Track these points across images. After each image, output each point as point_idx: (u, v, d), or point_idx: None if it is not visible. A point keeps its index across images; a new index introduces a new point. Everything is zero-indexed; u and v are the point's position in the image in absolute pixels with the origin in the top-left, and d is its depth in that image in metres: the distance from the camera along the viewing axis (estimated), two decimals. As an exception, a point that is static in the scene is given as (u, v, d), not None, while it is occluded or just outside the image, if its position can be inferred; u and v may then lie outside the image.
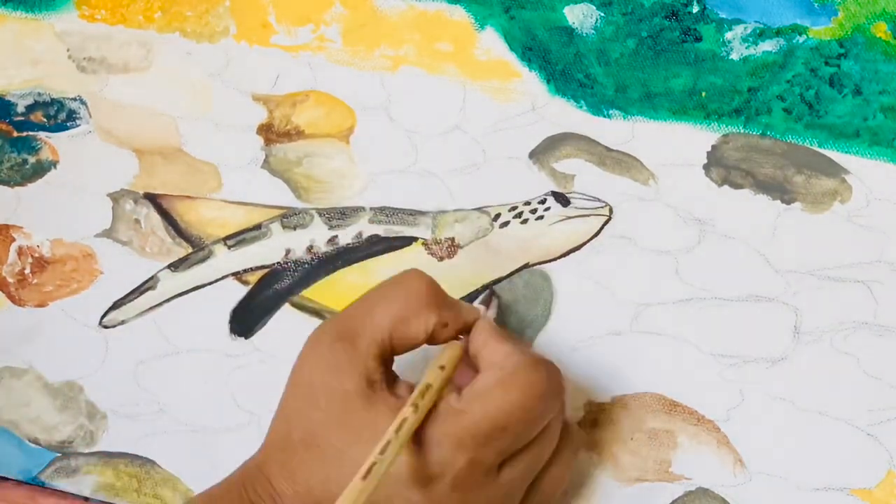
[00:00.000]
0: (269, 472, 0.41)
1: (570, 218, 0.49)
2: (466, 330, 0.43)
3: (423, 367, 0.42)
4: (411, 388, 0.41)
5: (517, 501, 0.42)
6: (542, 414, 0.41)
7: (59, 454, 0.53)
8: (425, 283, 0.43)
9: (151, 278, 0.52)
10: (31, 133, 0.54)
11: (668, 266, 0.48)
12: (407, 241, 0.50)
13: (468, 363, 0.43)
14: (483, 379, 0.41)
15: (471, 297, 0.49)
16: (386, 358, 0.42)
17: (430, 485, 0.39)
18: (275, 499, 0.41)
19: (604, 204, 0.49)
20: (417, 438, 0.39)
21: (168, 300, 0.52)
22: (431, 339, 0.42)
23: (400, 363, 0.43)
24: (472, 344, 0.43)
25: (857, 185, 0.47)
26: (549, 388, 0.41)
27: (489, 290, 0.49)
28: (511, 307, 0.49)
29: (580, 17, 0.49)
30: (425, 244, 0.50)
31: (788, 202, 0.47)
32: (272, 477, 0.41)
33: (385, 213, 0.50)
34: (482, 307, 0.46)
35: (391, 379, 0.42)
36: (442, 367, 0.41)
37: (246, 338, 0.51)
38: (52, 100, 0.53)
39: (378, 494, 0.37)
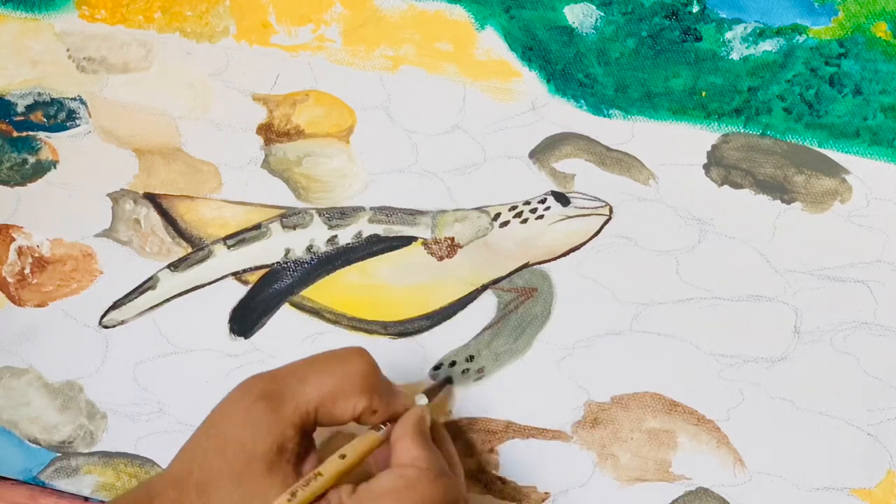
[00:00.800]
0: None
1: (570, 217, 0.49)
2: (394, 419, 0.43)
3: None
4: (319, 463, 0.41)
5: None
6: None
7: (59, 454, 0.53)
8: (365, 367, 0.42)
9: (151, 278, 0.52)
10: (31, 133, 0.54)
11: (668, 266, 0.48)
12: (407, 240, 0.50)
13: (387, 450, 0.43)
14: (380, 480, 0.40)
15: (470, 297, 0.49)
16: (307, 429, 0.41)
17: None
18: None
19: (604, 203, 0.49)
20: None
21: (168, 300, 0.52)
22: (358, 421, 0.42)
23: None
24: (393, 435, 0.42)
25: (857, 185, 0.47)
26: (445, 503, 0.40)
27: (445, 380, 0.49)
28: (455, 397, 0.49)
29: (580, 16, 0.49)
30: (425, 244, 0.50)
31: (788, 202, 0.47)
32: None
33: (385, 212, 0.50)
34: (423, 397, 0.46)
35: (304, 451, 0.41)
36: (343, 457, 0.41)
37: (245, 337, 0.51)
38: (52, 100, 0.54)
39: None
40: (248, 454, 0.39)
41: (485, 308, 0.49)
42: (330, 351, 0.43)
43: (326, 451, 0.41)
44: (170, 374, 0.52)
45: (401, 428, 0.42)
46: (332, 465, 0.40)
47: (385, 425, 0.43)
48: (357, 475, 0.41)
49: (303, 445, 0.41)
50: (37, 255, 0.53)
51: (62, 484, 0.53)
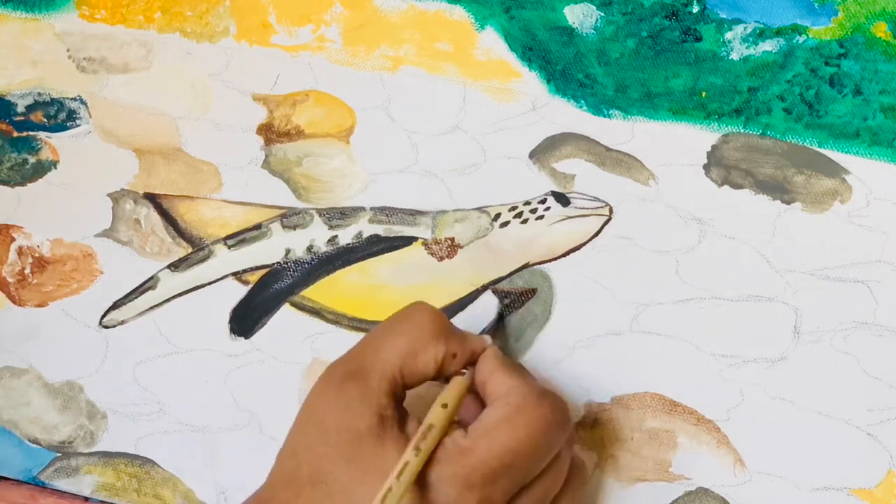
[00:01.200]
0: None
1: (570, 218, 0.49)
2: (474, 360, 0.43)
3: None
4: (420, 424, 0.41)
5: None
6: (549, 448, 0.41)
7: (59, 454, 0.53)
8: (432, 316, 0.43)
9: (151, 278, 0.52)
10: (31, 133, 0.54)
11: (668, 266, 0.48)
12: (407, 241, 0.50)
13: (474, 395, 0.43)
14: (488, 415, 0.40)
15: (470, 298, 0.49)
16: (397, 393, 0.42)
17: None
18: None
19: (604, 204, 0.49)
20: (424, 480, 0.39)
21: (168, 300, 0.52)
22: (441, 370, 0.42)
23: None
24: (478, 375, 0.43)
25: (857, 185, 0.47)
26: (555, 422, 0.40)
27: (498, 317, 0.49)
28: (515, 323, 0.49)
29: (580, 16, 0.49)
30: (425, 244, 0.50)
31: (788, 202, 0.47)
32: None
33: (385, 212, 0.50)
34: (487, 337, 0.46)
35: (402, 416, 0.41)
36: (445, 406, 0.41)
37: (246, 338, 0.51)
38: (53, 100, 0.53)
39: None
40: (352, 433, 0.40)
41: (485, 309, 0.49)
42: (394, 314, 0.43)
43: (416, 412, 0.41)
44: (170, 374, 0.52)
45: (485, 366, 0.43)
46: (438, 415, 0.40)
47: (467, 369, 0.43)
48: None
49: (399, 411, 0.41)
50: (37, 255, 0.53)
51: (62, 484, 0.53)
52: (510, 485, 0.40)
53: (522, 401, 0.40)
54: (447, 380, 0.43)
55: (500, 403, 0.41)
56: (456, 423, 0.41)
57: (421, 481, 0.38)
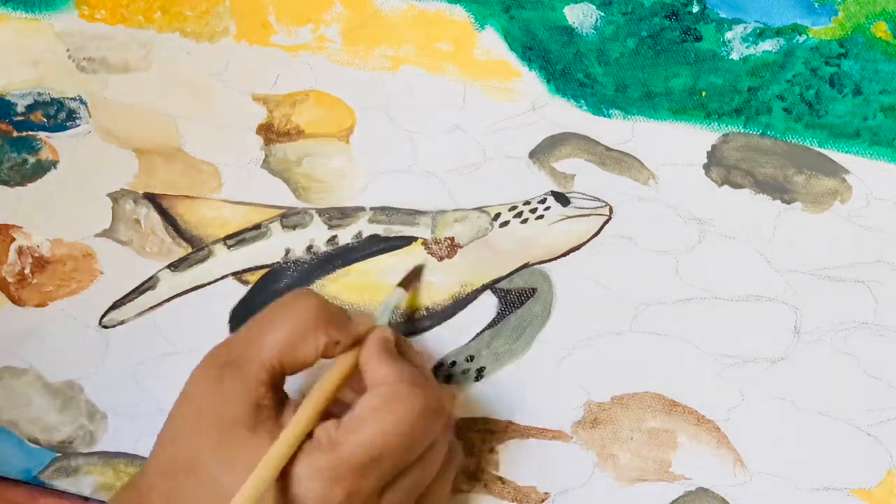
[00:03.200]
0: (150, 502, 0.41)
1: (570, 217, 0.49)
2: (361, 342, 0.43)
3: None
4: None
5: None
6: (421, 438, 0.40)
7: (59, 454, 0.53)
8: (313, 304, 0.42)
9: (151, 278, 0.52)
10: (30, 133, 0.54)
11: (668, 266, 0.48)
12: (407, 240, 0.50)
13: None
14: (359, 406, 0.40)
15: (470, 298, 0.49)
16: (276, 382, 0.42)
17: None
18: None
19: (604, 204, 0.49)
20: (292, 473, 0.38)
21: (168, 300, 0.52)
22: (325, 357, 0.42)
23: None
24: (360, 360, 0.43)
25: (858, 185, 0.47)
26: (427, 412, 0.40)
27: (416, 268, 0.49)
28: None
29: (580, 16, 0.49)
30: (425, 244, 0.50)
31: (788, 202, 0.47)
32: None
33: (385, 212, 0.50)
34: (398, 290, 0.45)
35: (279, 404, 0.41)
36: (323, 390, 0.41)
37: (246, 338, 0.51)
38: (52, 100, 0.53)
39: None
40: (227, 421, 0.40)
41: (485, 308, 0.49)
42: (276, 302, 0.43)
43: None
44: (170, 374, 0.51)
45: (366, 351, 0.43)
46: (310, 400, 0.40)
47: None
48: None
49: (277, 399, 0.41)
50: (37, 255, 0.53)
51: (62, 484, 0.53)
52: (381, 476, 0.39)
53: (392, 391, 0.40)
54: None
55: (372, 394, 0.40)
56: (335, 413, 0.41)
57: (289, 474, 0.38)
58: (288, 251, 0.51)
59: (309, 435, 0.40)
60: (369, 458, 0.39)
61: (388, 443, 0.39)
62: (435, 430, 0.41)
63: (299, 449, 0.39)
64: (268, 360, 0.41)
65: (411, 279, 0.49)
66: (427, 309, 0.50)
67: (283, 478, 0.38)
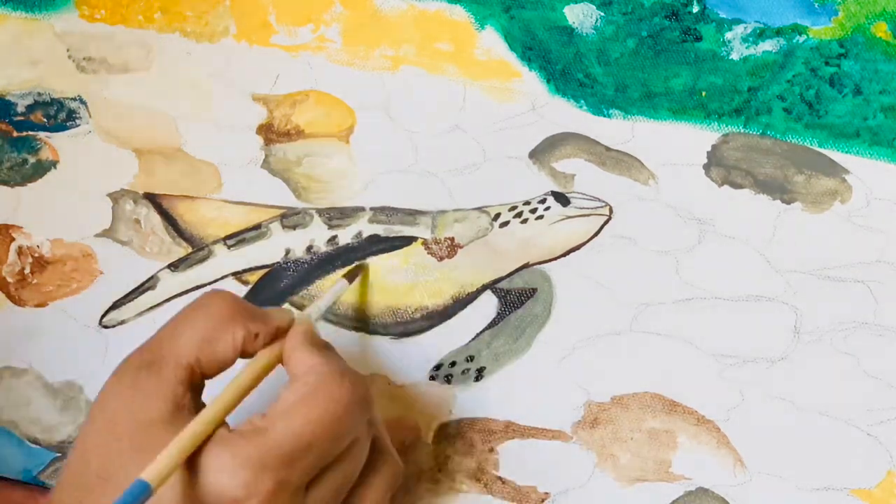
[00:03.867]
0: None
1: (570, 218, 0.49)
2: (283, 335, 0.42)
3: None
4: None
5: None
6: (348, 428, 0.40)
7: (58, 454, 0.53)
8: (226, 300, 0.42)
9: (151, 278, 0.52)
10: (31, 133, 0.54)
11: (668, 266, 0.48)
12: (407, 240, 0.50)
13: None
14: (286, 395, 0.39)
15: (470, 298, 0.49)
16: (196, 383, 0.41)
17: None
18: None
19: (604, 204, 0.49)
20: (219, 463, 0.37)
21: (168, 300, 0.52)
22: (245, 354, 0.41)
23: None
24: (284, 352, 0.42)
25: (858, 185, 0.47)
26: (354, 402, 0.40)
27: (360, 264, 0.49)
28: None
29: (580, 16, 0.49)
30: (425, 244, 0.50)
31: (789, 202, 0.47)
32: None
33: (385, 212, 0.50)
34: (294, 312, 0.45)
35: (200, 406, 0.40)
36: (240, 382, 0.40)
37: (246, 338, 0.51)
38: (52, 100, 0.54)
39: None
40: (143, 424, 0.39)
41: (485, 308, 0.49)
42: (190, 303, 0.42)
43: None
44: (170, 374, 0.52)
45: (290, 343, 0.42)
46: (227, 389, 0.40)
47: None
48: None
49: (198, 401, 0.40)
50: (37, 255, 0.53)
51: (62, 484, 0.53)
52: (308, 467, 0.39)
53: (320, 380, 0.40)
54: None
55: (299, 384, 0.40)
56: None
57: (216, 464, 0.37)
58: (288, 251, 0.51)
59: (229, 429, 0.39)
60: (298, 446, 0.38)
61: (316, 431, 0.38)
62: (362, 420, 0.40)
63: (224, 438, 0.38)
64: (185, 359, 0.40)
65: (355, 273, 0.49)
66: (427, 309, 0.50)
67: (205, 468, 0.37)
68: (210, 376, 0.41)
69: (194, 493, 0.37)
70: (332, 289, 0.48)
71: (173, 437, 0.37)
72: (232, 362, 0.42)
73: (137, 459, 0.38)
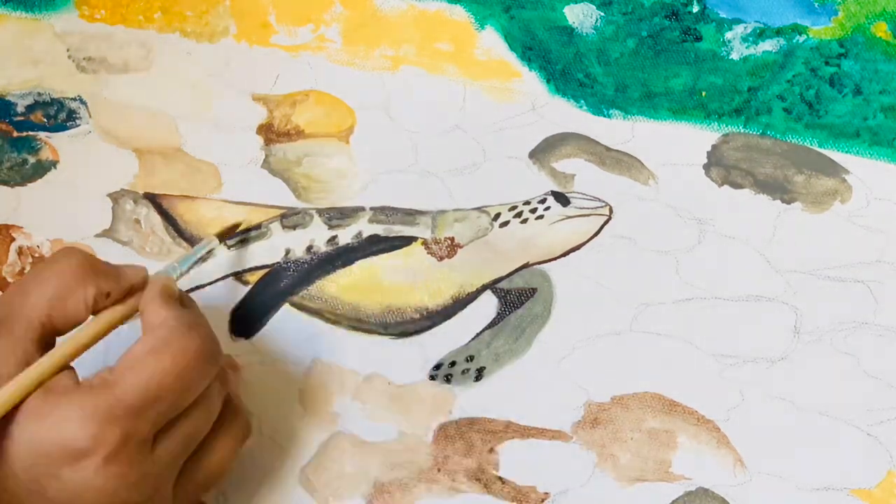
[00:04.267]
0: None
1: (570, 217, 0.49)
2: (137, 293, 0.42)
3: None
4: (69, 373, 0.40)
5: (174, 476, 0.41)
6: (197, 380, 0.40)
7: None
8: (77, 257, 0.42)
9: (151, 278, 0.52)
10: (31, 133, 0.54)
11: (668, 266, 0.48)
12: (407, 240, 0.50)
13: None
14: (135, 348, 0.40)
15: (470, 297, 0.49)
16: (48, 340, 0.41)
17: (82, 461, 0.37)
18: None
19: (604, 203, 0.49)
20: (66, 415, 0.37)
21: (168, 300, 0.52)
22: (96, 310, 0.41)
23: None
24: (140, 305, 0.42)
25: (858, 185, 0.47)
26: (202, 354, 0.40)
27: (235, 224, 0.49)
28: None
29: (580, 16, 0.49)
30: (425, 244, 0.50)
31: (788, 202, 0.47)
32: None
33: (385, 212, 0.50)
34: (211, 239, 0.46)
35: None
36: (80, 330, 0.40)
37: (246, 338, 0.51)
38: (52, 100, 0.53)
39: (24, 474, 0.36)
40: None
41: (485, 308, 0.49)
42: (41, 261, 0.43)
43: None
44: (170, 374, 0.52)
45: (146, 296, 0.42)
46: (65, 341, 0.40)
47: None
48: None
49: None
50: (37, 255, 0.53)
51: (62, 484, 0.53)
52: (156, 417, 0.39)
53: (169, 333, 0.40)
54: None
55: (149, 336, 0.40)
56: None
57: (63, 415, 0.37)
58: (288, 251, 0.51)
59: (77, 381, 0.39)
60: (144, 397, 0.38)
61: (164, 383, 0.38)
62: (211, 373, 0.41)
63: (71, 389, 0.38)
64: (36, 317, 0.40)
65: (227, 233, 0.49)
66: (427, 309, 0.50)
67: (51, 419, 0.37)
68: (61, 333, 0.41)
69: (40, 443, 0.37)
70: (199, 244, 0.47)
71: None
72: (84, 319, 0.41)
73: None
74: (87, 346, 0.40)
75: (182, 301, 0.44)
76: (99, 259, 0.42)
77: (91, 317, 0.42)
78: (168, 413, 0.39)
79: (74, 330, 0.41)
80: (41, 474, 0.37)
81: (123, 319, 0.42)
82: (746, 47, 0.47)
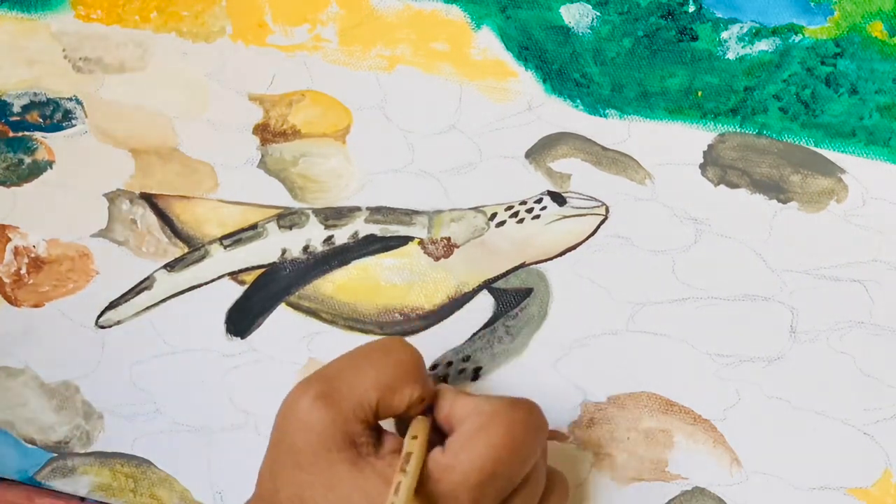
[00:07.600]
0: None
1: (566, 217, 0.49)
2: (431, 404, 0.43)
3: None
4: (398, 442, 0.40)
5: None
6: (530, 451, 0.40)
7: (55, 454, 0.53)
8: (414, 355, 0.42)
9: (147, 278, 0.52)
10: (27, 133, 0.54)
11: (664, 265, 0.48)
12: (403, 240, 0.50)
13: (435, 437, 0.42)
14: (462, 429, 0.40)
15: (466, 298, 0.49)
16: (370, 422, 0.41)
17: None
18: None
19: (600, 203, 0.49)
20: None
21: (164, 300, 0.52)
22: (403, 413, 0.42)
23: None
24: (439, 411, 0.42)
25: (854, 185, 0.47)
26: (532, 424, 0.40)
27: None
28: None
29: (576, 16, 0.49)
30: (421, 244, 0.50)
31: (785, 201, 0.47)
32: None
33: (381, 212, 0.50)
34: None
35: (377, 440, 0.40)
36: (415, 437, 0.40)
37: (242, 338, 0.51)
38: (48, 100, 0.53)
39: None
40: (325, 461, 0.39)
41: (481, 308, 0.49)
42: (374, 343, 0.43)
43: None
44: (166, 374, 0.52)
45: (445, 399, 0.42)
46: (413, 444, 0.39)
47: (425, 415, 0.42)
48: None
49: (374, 437, 0.41)
50: (33, 255, 0.53)
51: (58, 484, 0.53)
52: (496, 493, 0.39)
53: (494, 409, 0.40)
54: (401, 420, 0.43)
55: (472, 417, 0.40)
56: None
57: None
58: (284, 251, 0.51)
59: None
60: (484, 475, 0.38)
61: (499, 458, 0.39)
62: (542, 443, 0.41)
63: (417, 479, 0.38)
64: (366, 401, 0.40)
65: None
66: (423, 309, 0.50)
67: None
68: (380, 418, 0.41)
69: None
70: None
71: (359, 477, 0.38)
72: (397, 415, 0.42)
73: (328, 496, 0.38)
74: (426, 449, 0.40)
75: None
76: (423, 362, 0.42)
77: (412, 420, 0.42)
78: (507, 487, 0.39)
79: (411, 445, 0.40)
80: None
81: (430, 430, 0.42)
82: (742, 47, 0.47)
